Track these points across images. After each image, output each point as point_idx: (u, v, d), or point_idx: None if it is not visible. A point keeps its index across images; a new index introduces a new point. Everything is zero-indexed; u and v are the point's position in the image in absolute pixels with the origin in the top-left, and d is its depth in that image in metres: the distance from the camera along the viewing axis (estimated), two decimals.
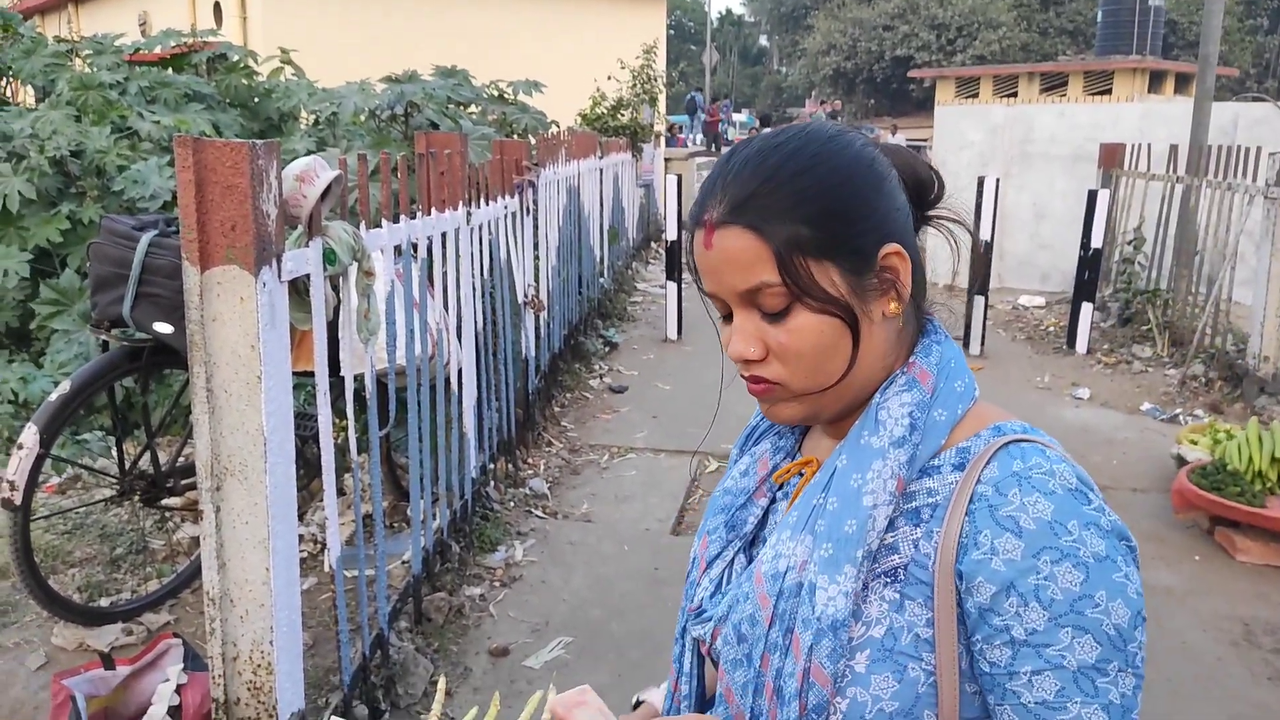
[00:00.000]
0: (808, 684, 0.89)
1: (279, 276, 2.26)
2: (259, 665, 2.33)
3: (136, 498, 3.16)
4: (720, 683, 0.98)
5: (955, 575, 0.87)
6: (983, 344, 7.34)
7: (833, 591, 0.89)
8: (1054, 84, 22.03)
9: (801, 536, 0.93)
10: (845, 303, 0.91)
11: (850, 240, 0.90)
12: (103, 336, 3.01)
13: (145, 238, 2.80)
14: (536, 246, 5.18)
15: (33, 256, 5.22)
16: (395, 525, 4.01)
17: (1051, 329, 8.30)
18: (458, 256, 3.67)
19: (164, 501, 3.27)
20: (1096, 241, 7.25)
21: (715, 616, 0.99)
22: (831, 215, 0.90)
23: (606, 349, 7.06)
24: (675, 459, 5.16)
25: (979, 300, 7.20)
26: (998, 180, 7.26)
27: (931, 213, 1.02)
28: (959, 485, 0.89)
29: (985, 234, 7.04)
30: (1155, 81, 21.58)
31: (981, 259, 7.02)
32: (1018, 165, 10.00)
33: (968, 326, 7.27)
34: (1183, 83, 21.57)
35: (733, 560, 1.03)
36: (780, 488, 1.05)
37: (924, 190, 1.00)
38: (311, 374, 2.74)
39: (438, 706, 2.15)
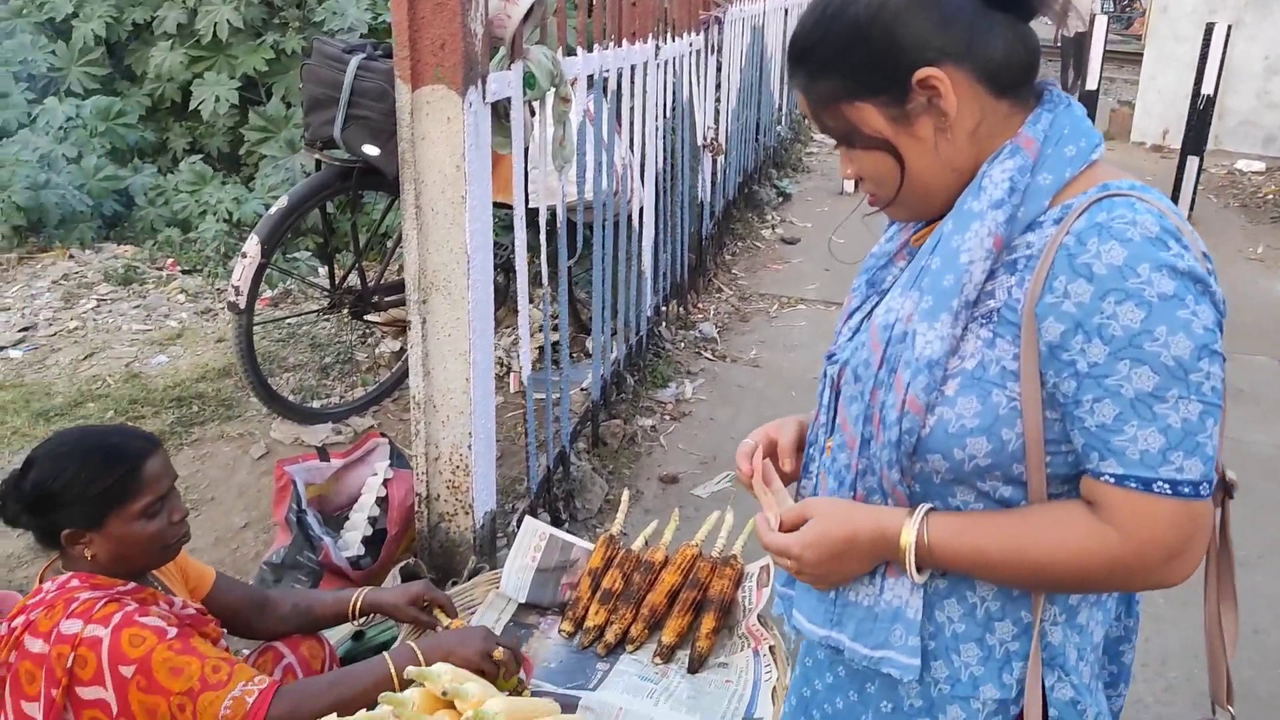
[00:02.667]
0: (904, 412, 1.03)
1: (484, 98, 2.31)
2: (457, 466, 2.52)
3: (345, 312, 3.40)
4: (840, 414, 1.14)
5: (1034, 316, 0.97)
6: (1191, 209, 6.78)
7: (930, 336, 1.02)
8: None
9: (910, 293, 1.06)
10: (882, 139, 1.05)
11: (877, 81, 1.03)
12: (315, 156, 3.18)
13: (354, 60, 2.91)
14: (718, 88, 5.07)
15: (241, 84, 5.51)
16: (574, 356, 4.17)
17: (1270, 197, 7.58)
18: (644, 92, 3.64)
19: (368, 317, 3.51)
20: None
21: (841, 359, 1.15)
22: (857, 63, 1.04)
23: (780, 199, 6.93)
24: None
25: (1192, 161, 6.62)
26: (1229, 28, 6.53)
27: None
28: (1052, 238, 0.98)
29: (1208, 88, 6.39)
30: None
31: (1200, 116, 6.50)
32: (1252, 12, 8.94)
33: (1176, 188, 6.71)
34: None
35: (870, 313, 1.16)
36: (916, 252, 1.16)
37: None
38: (500, 205, 2.83)
39: (622, 514, 2.28)
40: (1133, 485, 0.96)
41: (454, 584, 2.49)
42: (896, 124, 1.05)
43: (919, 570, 1.07)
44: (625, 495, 2.32)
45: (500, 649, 1.79)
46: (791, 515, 1.14)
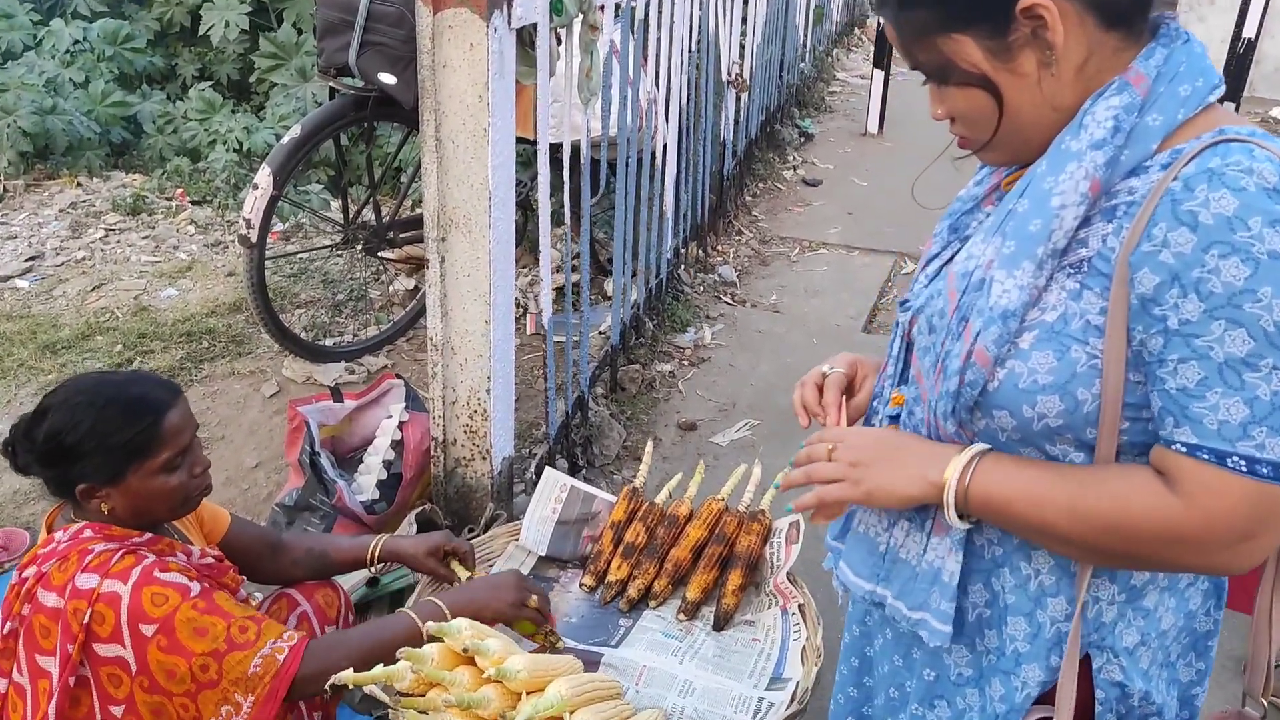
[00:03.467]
0: (969, 363, 0.97)
1: (509, 23, 2.18)
2: (475, 411, 2.44)
3: (359, 248, 3.30)
4: (913, 366, 1.09)
5: (1128, 266, 0.89)
6: None
7: (1008, 285, 0.95)
8: None
9: (993, 238, 0.99)
10: (980, 75, 0.96)
11: (978, 10, 0.94)
12: (329, 84, 3.04)
13: None
14: (744, 21, 4.88)
15: (251, 9, 5.32)
16: (592, 299, 4.07)
17: None
18: (671, 23, 3.48)
19: (383, 254, 3.40)
20: None
21: (915, 307, 1.09)
22: None
23: (802, 140, 6.74)
24: (869, 257, 4.98)
25: (1227, 107, 6.40)
26: None
27: None
28: (1158, 184, 0.90)
29: (1250, 30, 6.16)
30: None
31: (1239, 60, 6.27)
32: None
33: None
34: None
35: (949, 260, 1.09)
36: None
37: None
38: (519, 140, 2.71)
39: (645, 466, 2.20)
40: (1205, 457, 0.88)
41: (470, 531, 2.43)
42: (996, 58, 0.95)
43: (960, 517, 1.00)
44: (649, 446, 2.24)
45: (534, 596, 1.73)
46: None
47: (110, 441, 1.49)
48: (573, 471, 2.91)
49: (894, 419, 1.12)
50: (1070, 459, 0.97)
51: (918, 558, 1.08)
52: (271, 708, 1.48)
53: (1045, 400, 0.94)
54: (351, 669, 1.51)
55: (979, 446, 1.00)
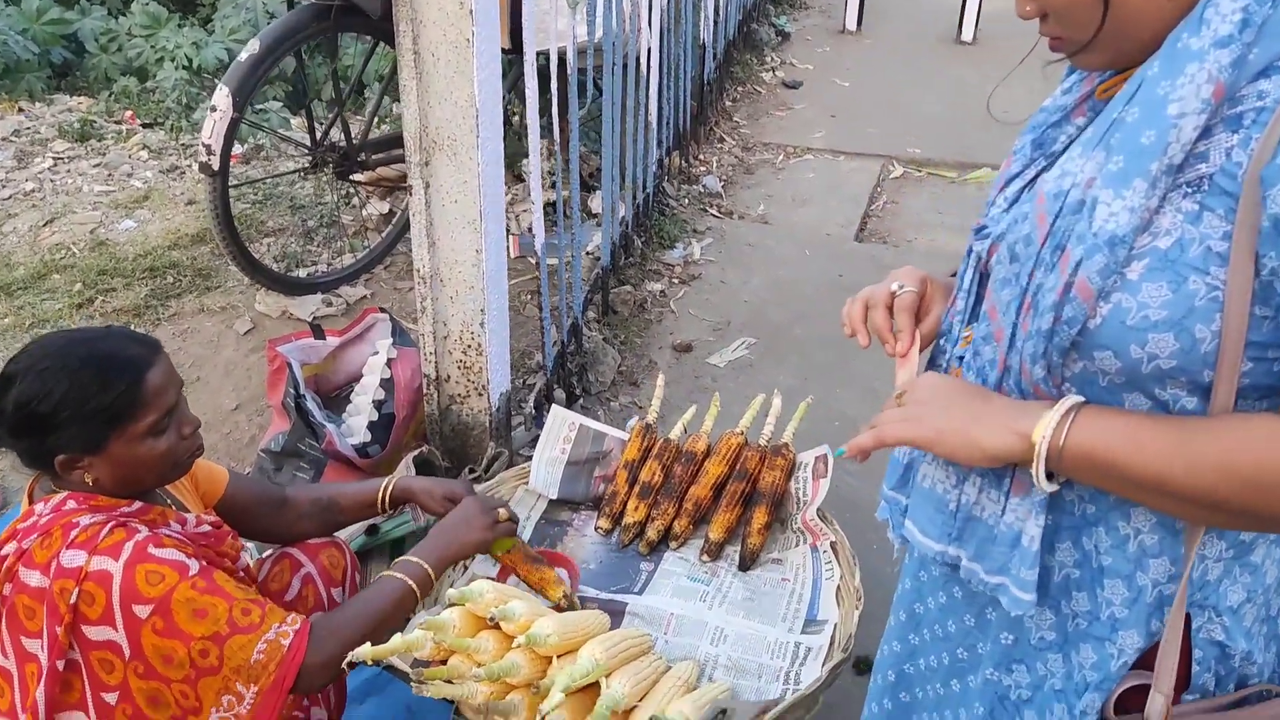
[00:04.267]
0: (1067, 297, 0.85)
1: None
2: (469, 346, 2.30)
3: (328, 171, 3.08)
4: (986, 300, 0.97)
5: (1259, 183, 0.78)
6: None
7: (1116, 207, 0.82)
8: None
9: (1094, 153, 0.86)
10: None
11: None
12: None
13: None
14: None
15: None
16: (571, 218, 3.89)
17: None
18: None
19: (354, 176, 3.19)
20: None
21: (994, 234, 0.97)
22: None
23: (779, 39, 6.46)
24: (856, 161, 4.80)
25: None
26: None
27: None
28: None
29: None
30: None
31: None
32: None
33: None
34: None
35: (1033, 180, 0.97)
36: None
37: None
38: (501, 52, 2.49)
39: (657, 399, 2.08)
40: None
41: (471, 471, 2.32)
42: None
43: (1049, 477, 0.89)
44: (660, 380, 2.11)
45: (501, 509, 1.67)
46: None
47: (87, 409, 1.33)
48: (570, 402, 2.78)
49: (962, 359, 1.00)
50: (1181, 405, 0.86)
51: (995, 518, 0.97)
52: (277, 698, 1.37)
53: (1157, 339, 0.82)
54: (358, 644, 1.41)
55: (1074, 399, 0.88)
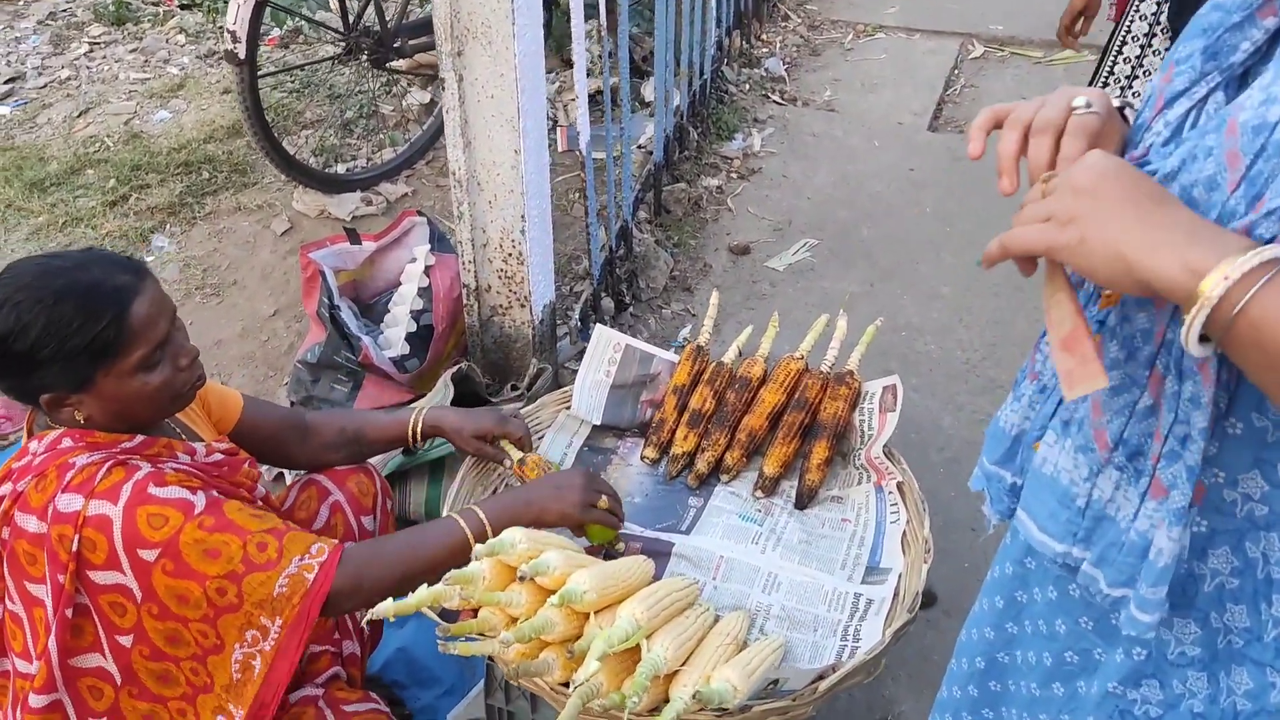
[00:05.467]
0: None
1: None
2: (509, 254, 2.14)
3: (364, 58, 2.88)
4: None
5: None
6: None
7: None
8: None
9: None
10: None
11: None
12: None
13: None
14: None
15: None
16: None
17: None
18: None
19: (392, 64, 2.99)
20: None
21: (1160, 171, 0.73)
22: None
23: None
24: (932, 41, 4.43)
25: None
26: None
27: None
28: None
29: None
30: None
31: None
32: None
33: None
34: None
35: (1204, 99, 0.75)
36: None
37: None
38: None
39: (710, 319, 1.91)
40: None
41: (514, 389, 2.19)
42: None
43: (1201, 340, 0.66)
44: (714, 297, 1.93)
45: (605, 496, 1.52)
46: None
47: (69, 345, 1.21)
48: (619, 311, 2.63)
49: (1102, 324, 0.81)
50: None
51: (1127, 521, 0.80)
52: (303, 629, 1.29)
53: None
54: (392, 584, 1.32)
55: (1273, 249, 0.64)
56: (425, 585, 1.26)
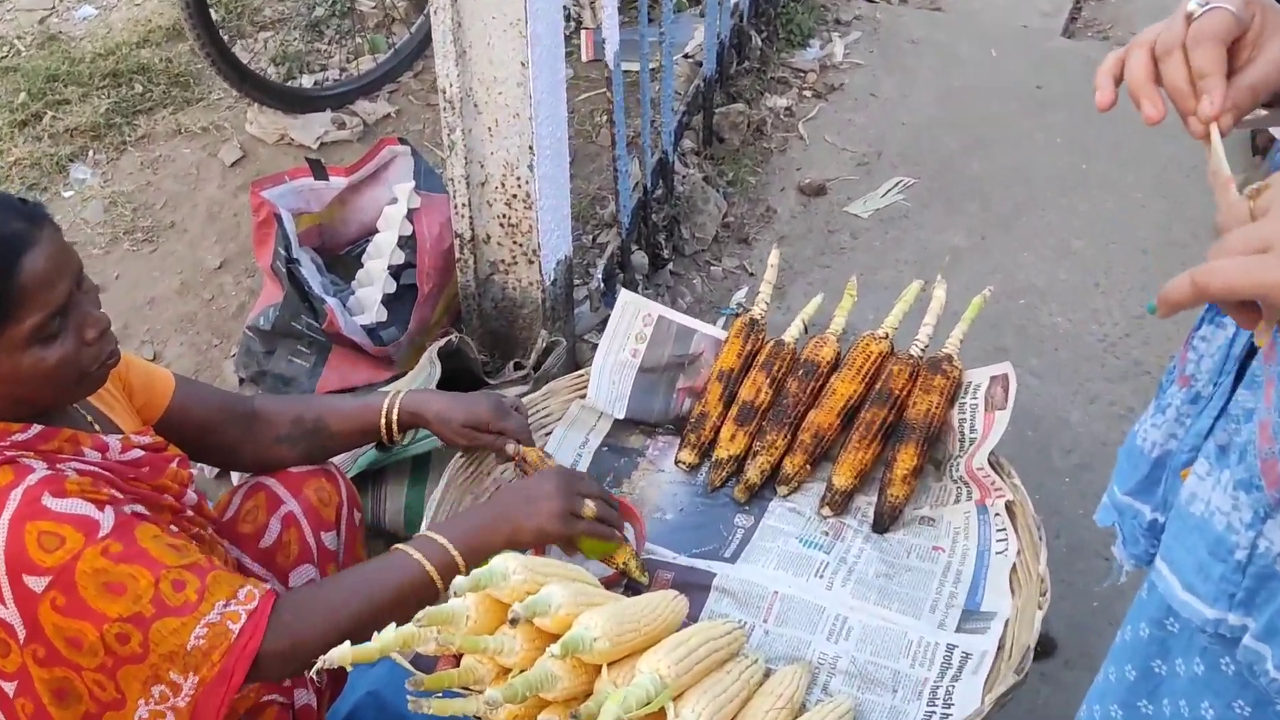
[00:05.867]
0: None
1: None
2: (514, 195, 2.13)
3: None
4: None
5: None
6: None
7: None
8: None
9: None
10: None
11: None
12: None
13: None
14: None
15: None
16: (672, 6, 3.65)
17: None
18: None
19: None
20: None
21: None
22: None
23: None
24: None
25: None
26: None
27: None
28: None
29: None
30: None
31: None
32: None
33: None
34: None
35: None
36: None
37: None
38: None
39: (769, 282, 1.88)
40: None
41: (517, 367, 2.21)
42: None
43: None
44: (774, 255, 1.90)
45: (589, 502, 1.52)
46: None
47: None
48: (655, 268, 2.63)
49: None
50: None
51: None
52: (224, 690, 1.30)
53: None
54: (341, 636, 1.31)
55: None
56: (391, 627, 1.26)
